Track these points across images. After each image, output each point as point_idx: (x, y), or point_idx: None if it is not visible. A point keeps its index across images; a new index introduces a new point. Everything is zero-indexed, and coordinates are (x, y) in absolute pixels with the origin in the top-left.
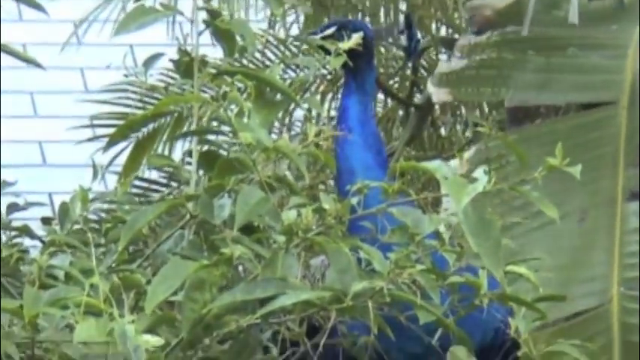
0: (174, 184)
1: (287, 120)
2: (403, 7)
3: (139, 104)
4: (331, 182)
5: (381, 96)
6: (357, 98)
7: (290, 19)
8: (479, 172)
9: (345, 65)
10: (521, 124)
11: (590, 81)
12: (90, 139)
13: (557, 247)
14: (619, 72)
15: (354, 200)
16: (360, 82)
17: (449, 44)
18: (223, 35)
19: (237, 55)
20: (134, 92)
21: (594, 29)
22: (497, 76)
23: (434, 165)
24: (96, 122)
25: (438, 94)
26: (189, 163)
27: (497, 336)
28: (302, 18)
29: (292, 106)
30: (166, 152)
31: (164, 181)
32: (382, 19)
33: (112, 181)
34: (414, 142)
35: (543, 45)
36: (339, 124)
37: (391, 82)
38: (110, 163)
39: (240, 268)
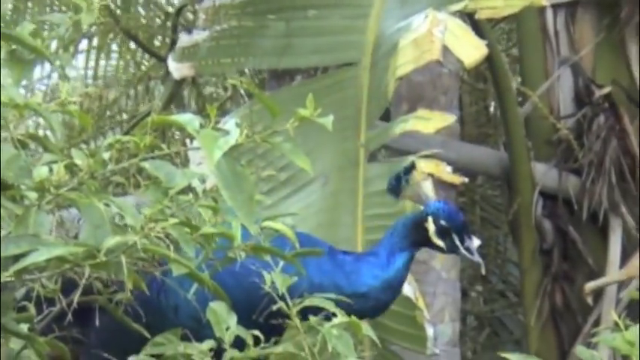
0: None
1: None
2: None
3: None
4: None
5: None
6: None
7: None
8: (230, 125)
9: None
10: (280, 80)
11: (331, 43)
12: None
13: (307, 210)
14: (361, 32)
15: None
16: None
17: None
18: None
19: None
20: None
21: None
22: (237, 46)
23: (185, 118)
24: None
25: (180, 70)
26: None
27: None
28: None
29: None
30: None
31: None
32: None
33: None
34: (175, 101)
35: (285, 6)
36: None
37: (154, 40)
38: None
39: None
